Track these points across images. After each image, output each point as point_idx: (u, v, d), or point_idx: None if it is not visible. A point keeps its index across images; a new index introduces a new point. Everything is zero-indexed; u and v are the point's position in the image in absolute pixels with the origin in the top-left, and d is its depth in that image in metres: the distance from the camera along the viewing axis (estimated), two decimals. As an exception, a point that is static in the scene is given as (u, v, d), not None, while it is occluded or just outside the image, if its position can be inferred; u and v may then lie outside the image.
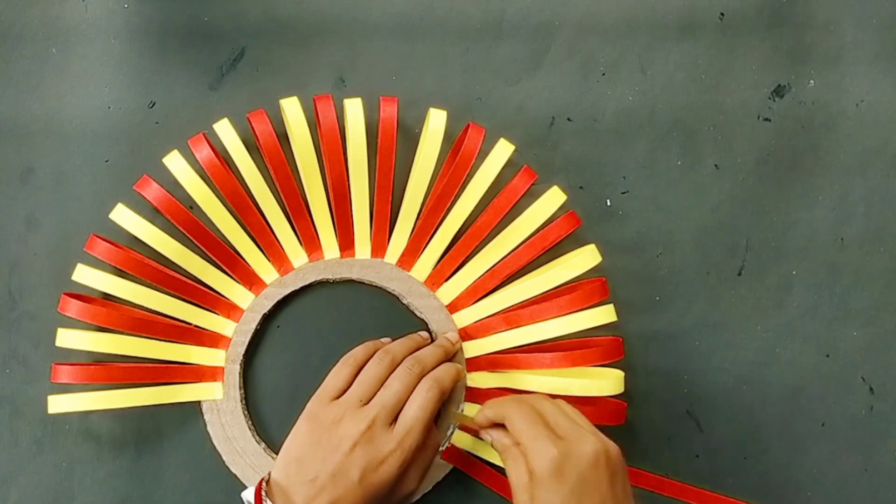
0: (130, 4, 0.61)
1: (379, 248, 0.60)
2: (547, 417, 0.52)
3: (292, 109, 0.57)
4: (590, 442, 0.50)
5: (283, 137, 0.59)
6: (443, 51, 0.62)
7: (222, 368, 0.59)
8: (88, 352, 0.58)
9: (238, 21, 0.61)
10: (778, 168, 0.62)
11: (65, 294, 0.57)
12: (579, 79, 0.62)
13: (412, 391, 0.55)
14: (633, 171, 0.62)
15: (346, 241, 0.59)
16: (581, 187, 0.61)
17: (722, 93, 0.62)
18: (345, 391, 0.55)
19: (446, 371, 0.57)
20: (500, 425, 0.53)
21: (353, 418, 0.54)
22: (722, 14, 0.62)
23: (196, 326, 0.59)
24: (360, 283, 0.60)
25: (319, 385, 0.56)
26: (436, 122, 0.58)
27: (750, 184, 0.62)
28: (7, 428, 0.60)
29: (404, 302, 0.60)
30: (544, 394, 0.55)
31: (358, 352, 0.57)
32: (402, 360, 0.56)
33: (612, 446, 0.51)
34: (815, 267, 0.62)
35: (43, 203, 0.61)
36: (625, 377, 0.58)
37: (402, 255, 0.59)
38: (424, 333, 0.60)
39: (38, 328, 0.60)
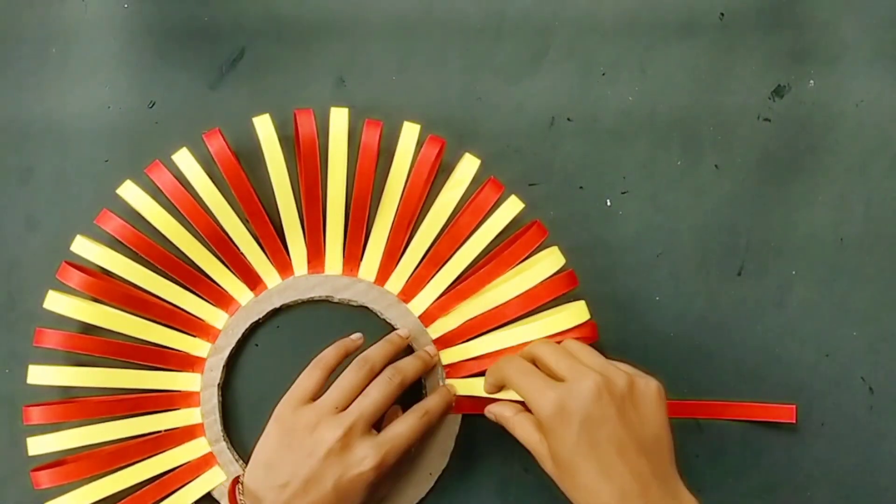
0: (130, 4, 0.61)
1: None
2: (546, 361, 0.52)
3: (264, 126, 0.57)
4: (589, 376, 0.49)
5: (254, 154, 0.58)
6: (443, 51, 0.62)
7: (203, 360, 0.59)
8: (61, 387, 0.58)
9: (238, 21, 0.61)
10: (778, 168, 0.62)
11: (40, 329, 0.57)
12: (579, 79, 0.62)
13: (391, 401, 0.54)
14: (633, 171, 0.62)
15: (316, 259, 0.59)
16: (581, 187, 0.61)
17: (722, 93, 0.62)
18: (316, 395, 0.54)
19: (439, 401, 0.56)
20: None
21: (328, 424, 0.52)
22: (722, 14, 0.62)
23: (171, 349, 0.59)
24: (358, 307, 0.60)
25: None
26: (407, 138, 0.57)
27: (750, 184, 0.62)
28: (7, 428, 0.60)
29: (381, 316, 0.60)
30: (544, 339, 0.55)
31: (328, 354, 0.56)
32: (381, 369, 0.55)
33: (618, 376, 0.50)
34: (815, 267, 0.62)
35: (43, 203, 0.61)
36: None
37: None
38: (403, 331, 0.59)
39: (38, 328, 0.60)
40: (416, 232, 0.59)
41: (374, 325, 0.60)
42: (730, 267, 0.62)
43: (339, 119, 0.57)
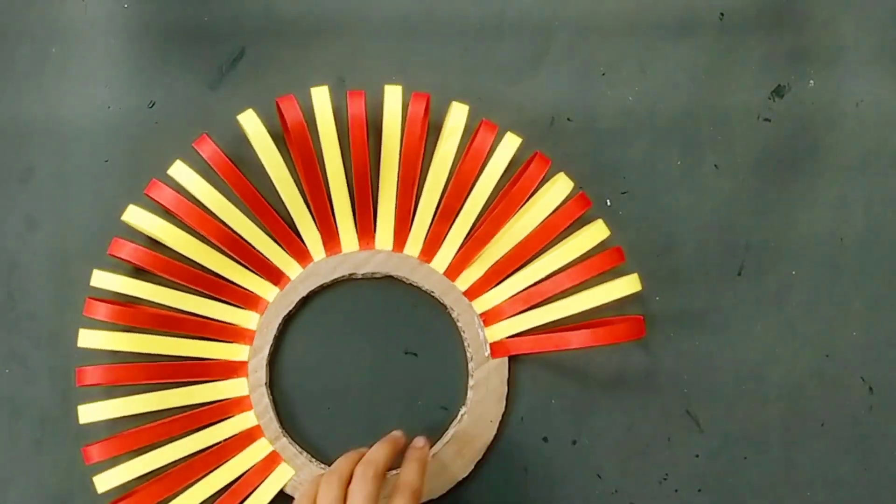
0: (130, 4, 0.61)
1: (399, 242, 0.60)
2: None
3: (320, 100, 0.57)
4: None
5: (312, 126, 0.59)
6: (443, 51, 0.62)
7: (245, 363, 0.59)
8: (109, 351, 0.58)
9: (238, 21, 0.61)
10: (778, 168, 0.62)
11: (90, 298, 0.57)
12: (579, 79, 0.62)
13: (377, 494, 0.51)
14: (633, 171, 0.62)
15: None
16: (581, 187, 0.61)
17: (722, 93, 0.62)
18: None
19: (416, 474, 0.54)
20: None
21: None
22: (722, 14, 0.62)
23: (211, 360, 0.59)
24: (382, 277, 0.60)
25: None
26: (456, 118, 0.58)
27: (750, 184, 0.62)
28: (7, 428, 0.60)
29: (407, 281, 0.60)
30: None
31: (341, 465, 0.53)
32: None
33: None
34: (815, 267, 0.62)
35: (43, 203, 0.61)
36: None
37: (423, 247, 0.60)
38: (397, 433, 0.57)
39: (38, 328, 0.60)
40: (422, 191, 0.59)
41: (401, 292, 0.60)
42: (730, 267, 0.62)
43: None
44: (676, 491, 0.61)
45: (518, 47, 0.62)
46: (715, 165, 0.62)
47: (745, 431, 0.61)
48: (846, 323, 0.62)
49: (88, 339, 0.57)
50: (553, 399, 0.61)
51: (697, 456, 0.61)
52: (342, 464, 0.53)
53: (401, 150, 0.58)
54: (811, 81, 0.62)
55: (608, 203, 0.61)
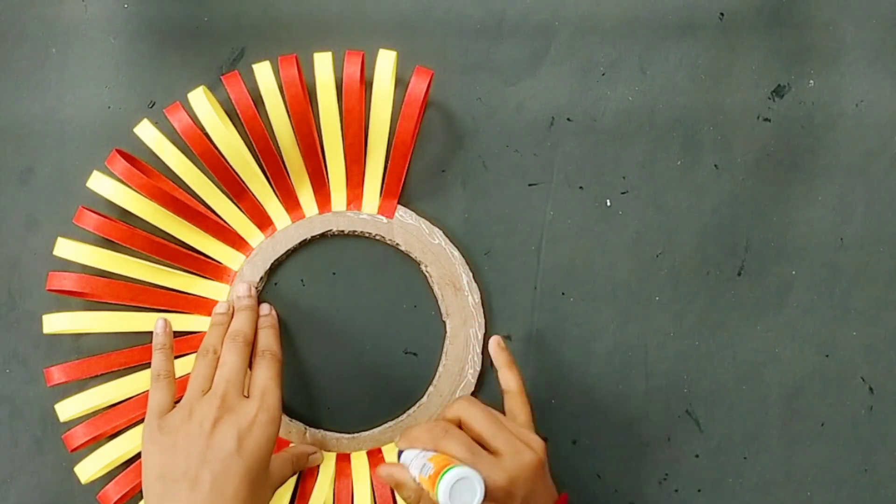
0: (130, 4, 0.61)
1: (354, 199, 0.60)
2: (479, 431, 0.53)
3: (264, 74, 0.58)
4: (527, 453, 0.52)
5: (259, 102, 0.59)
6: (443, 51, 0.61)
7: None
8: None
9: (238, 21, 0.61)
10: (778, 168, 0.62)
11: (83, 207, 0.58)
12: (579, 79, 0.62)
13: (246, 360, 0.55)
14: (633, 171, 0.62)
15: (322, 198, 0.60)
16: (581, 187, 0.61)
17: (722, 93, 0.62)
18: (171, 404, 0.54)
19: (272, 338, 0.57)
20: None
21: (203, 403, 0.52)
22: (722, 14, 0.62)
23: (187, 293, 0.60)
24: (350, 234, 0.61)
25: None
26: (383, 64, 0.58)
27: (750, 184, 0.62)
28: (7, 428, 0.60)
29: (389, 242, 0.60)
30: (471, 399, 0.55)
31: (159, 364, 0.56)
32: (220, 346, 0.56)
33: (540, 447, 0.53)
34: (815, 267, 0.62)
35: (43, 203, 0.61)
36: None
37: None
38: (222, 306, 0.59)
39: (38, 328, 0.60)
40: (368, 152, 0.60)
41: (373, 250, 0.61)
42: (730, 267, 0.62)
43: (323, 63, 0.58)
44: (676, 491, 0.61)
45: (518, 47, 0.62)
46: (715, 165, 0.62)
47: (745, 431, 0.61)
48: (846, 323, 0.62)
49: (65, 249, 0.57)
50: (553, 399, 0.61)
51: (697, 456, 0.61)
52: (211, 339, 0.56)
53: (341, 112, 0.58)
54: (811, 81, 0.62)
55: (608, 203, 0.61)
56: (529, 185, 0.61)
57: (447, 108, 0.60)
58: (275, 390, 0.54)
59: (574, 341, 0.61)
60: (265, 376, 0.55)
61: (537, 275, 0.61)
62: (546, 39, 0.62)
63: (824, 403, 0.61)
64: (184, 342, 0.59)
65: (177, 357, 0.58)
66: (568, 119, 0.62)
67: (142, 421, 0.56)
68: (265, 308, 0.59)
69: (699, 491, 0.61)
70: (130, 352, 0.59)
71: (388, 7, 0.61)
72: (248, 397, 0.53)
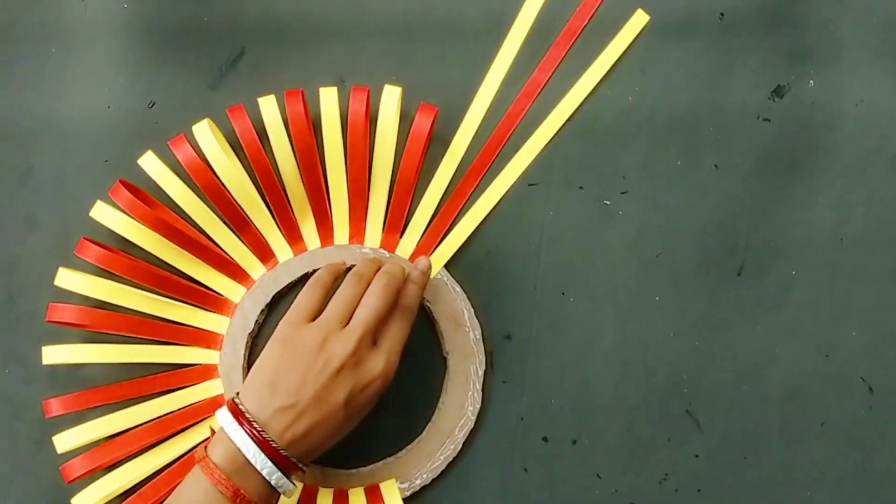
0: (130, 4, 0.61)
1: (356, 234, 0.60)
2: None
3: (269, 108, 0.58)
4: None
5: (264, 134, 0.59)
6: (443, 51, 0.62)
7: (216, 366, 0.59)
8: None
9: (238, 21, 0.61)
10: (778, 168, 0.62)
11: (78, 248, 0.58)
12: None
13: (389, 308, 0.54)
14: (632, 171, 0.62)
15: (325, 232, 0.60)
16: (581, 187, 0.61)
17: (722, 93, 0.62)
18: (316, 313, 0.53)
19: (417, 297, 0.56)
20: None
21: (338, 340, 0.52)
22: (722, 14, 0.62)
23: (189, 325, 0.59)
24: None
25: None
26: (388, 100, 0.58)
27: (750, 184, 0.62)
28: (7, 428, 0.60)
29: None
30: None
31: (323, 274, 0.56)
32: (373, 278, 0.55)
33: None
34: (815, 267, 0.62)
35: (43, 203, 0.61)
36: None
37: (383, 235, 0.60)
38: (384, 251, 0.60)
39: (38, 328, 0.60)
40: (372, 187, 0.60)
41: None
42: (730, 267, 0.62)
43: (329, 98, 0.58)
44: (676, 491, 0.61)
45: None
46: (715, 165, 0.62)
47: (745, 431, 0.61)
48: (846, 323, 0.62)
49: (67, 279, 0.57)
50: (553, 399, 0.61)
51: (697, 456, 0.61)
52: (367, 267, 0.56)
53: (345, 146, 0.58)
54: (811, 81, 0.62)
55: (608, 203, 0.61)
56: (529, 185, 0.61)
57: (447, 108, 0.60)
58: (399, 351, 0.54)
59: (574, 341, 0.61)
60: (399, 334, 0.54)
61: (537, 275, 0.61)
62: (546, 39, 0.62)
63: (824, 403, 0.61)
64: (182, 375, 0.59)
65: (174, 390, 0.58)
66: (568, 119, 0.62)
67: (141, 453, 0.57)
68: (424, 262, 0.58)
69: (699, 491, 0.61)
70: (129, 384, 0.58)
71: (388, 7, 0.62)
72: (375, 345, 0.53)
